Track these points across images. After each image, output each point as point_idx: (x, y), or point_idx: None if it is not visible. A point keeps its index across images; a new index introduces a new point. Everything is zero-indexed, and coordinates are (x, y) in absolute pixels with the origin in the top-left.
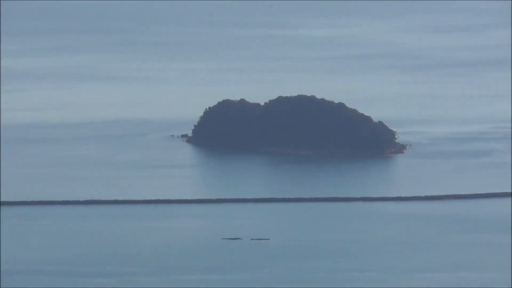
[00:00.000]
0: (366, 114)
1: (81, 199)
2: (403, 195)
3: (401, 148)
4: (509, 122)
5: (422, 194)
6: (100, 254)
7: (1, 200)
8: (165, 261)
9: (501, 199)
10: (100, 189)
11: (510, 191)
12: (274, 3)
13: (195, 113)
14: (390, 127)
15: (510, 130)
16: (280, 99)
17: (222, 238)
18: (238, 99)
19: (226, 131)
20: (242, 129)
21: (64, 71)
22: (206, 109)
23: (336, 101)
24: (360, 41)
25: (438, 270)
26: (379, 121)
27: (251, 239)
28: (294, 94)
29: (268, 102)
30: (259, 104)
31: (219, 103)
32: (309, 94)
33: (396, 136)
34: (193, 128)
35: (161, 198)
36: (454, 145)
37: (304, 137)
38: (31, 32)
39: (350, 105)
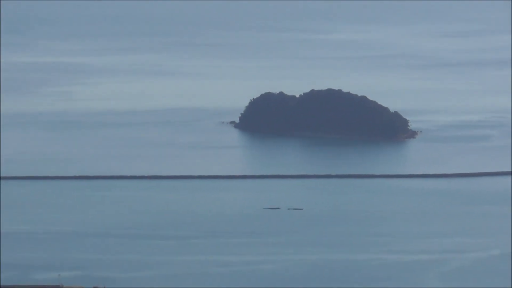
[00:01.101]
0: (384, 105)
1: (146, 174)
2: (414, 173)
3: (413, 134)
4: (503, 112)
5: (431, 172)
6: (161, 221)
7: (82, 174)
8: (215, 226)
9: (497, 177)
10: (162, 166)
11: (506, 170)
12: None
13: (242, 103)
14: (404, 116)
15: (504, 119)
16: (312, 92)
17: (264, 208)
18: (278, 92)
19: (267, 118)
20: (280, 116)
21: (134, 68)
22: (251, 100)
23: (359, 94)
24: (379, 44)
25: (444, 235)
26: (394, 111)
27: (288, 209)
28: (324, 88)
29: (302, 94)
30: (295, 96)
31: (261, 95)
32: (336, 88)
33: (408, 124)
34: (240, 115)
35: (213, 174)
36: (457, 131)
37: (332, 124)
38: (108, 34)
39: (371, 97)
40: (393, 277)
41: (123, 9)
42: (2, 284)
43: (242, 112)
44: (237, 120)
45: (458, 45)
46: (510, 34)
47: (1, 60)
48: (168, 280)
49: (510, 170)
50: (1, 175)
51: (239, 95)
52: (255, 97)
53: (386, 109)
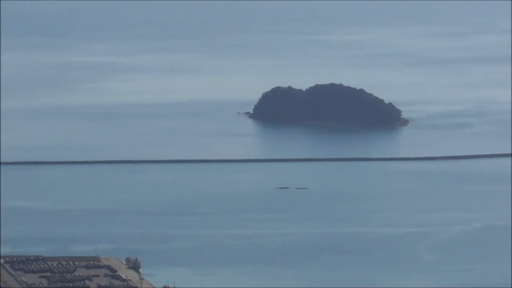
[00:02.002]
0: (380, 97)
1: (172, 159)
2: (407, 156)
3: (405, 122)
4: (484, 102)
5: (421, 156)
6: (185, 199)
7: (115, 159)
8: (232, 204)
9: (479, 159)
10: (186, 151)
11: (487, 153)
12: (314, 16)
13: (255, 96)
14: (397, 107)
15: (484, 109)
16: (317, 86)
17: (275, 188)
18: (287, 86)
19: (278, 109)
20: (289, 107)
21: (161, 66)
22: (263, 93)
23: (358, 88)
24: (375, 44)
25: (433, 211)
26: (389, 102)
27: (296, 188)
28: (328, 82)
29: (308, 88)
30: (302, 89)
31: (272, 89)
32: (338, 83)
33: (401, 113)
34: (253, 107)
35: (230, 158)
36: (444, 119)
37: (334, 114)
38: (137, 36)
39: (368, 90)
40: (389, 247)
41: (150, 13)
42: (45, 255)
43: (256, 104)
44: (251, 111)
45: (444, 44)
46: (491, 34)
47: (45, 60)
48: (191, 251)
49: (490, 153)
50: (45, 161)
51: (253, 89)
52: (266, 91)
53: (381, 100)
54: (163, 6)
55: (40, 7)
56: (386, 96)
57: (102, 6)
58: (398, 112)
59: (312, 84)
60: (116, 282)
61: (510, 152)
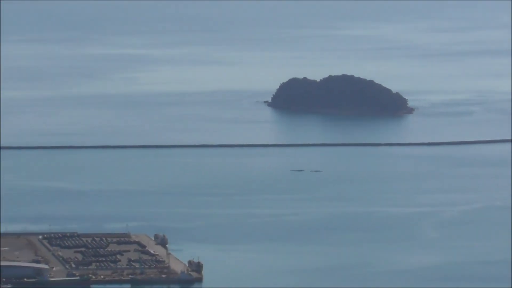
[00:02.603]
0: (387, 87)
1: (196, 144)
2: (412, 142)
3: (410, 110)
4: (483, 92)
5: (425, 141)
6: (208, 181)
7: (145, 144)
8: (251, 185)
9: (480, 144)
10: (209, 137)
11: (487, 139)
12: (327, 13)
13: (273, 86)
14: (403, 96)
15: (484, 98)
16: (330, 77)
17: (291, 170)
18: (302, 77)
19: (294, 98)
20: (304, 97)
21: (187, 58)
22: (281, 83)
23: (367, 79)
24: (383, 38)
25: (436, 192)
26: (396, 92)
27: (310, 171)
28: (340, 73)
29: (322, 79)
30: (316, 80)
31: (289, 79)
32: (349, 74)
33: (407, 102)
34: (272, 96)
35: (250, 143)
36: (447, 108)
37: (346, 102)
38: (165, 31)
39: (377, 81)
40: (397, 225)
41: (177, 10)
42: (80, 232)
43: (274, 93)
44: (269, 100)
45: (447, 38)
46: (491, 30)
47: (81, 52)
48: (214, 228)
49: (490, 139)
50: (80, 145)
51: (271, 80)
52: (284, 81)
53: (389, 90)
54: (188, 3)
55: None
56: (393, 86)
57: (133, 3)
58: (404, 101)
59: (326, 75)
60: (145, 257)
61: (509, 138)
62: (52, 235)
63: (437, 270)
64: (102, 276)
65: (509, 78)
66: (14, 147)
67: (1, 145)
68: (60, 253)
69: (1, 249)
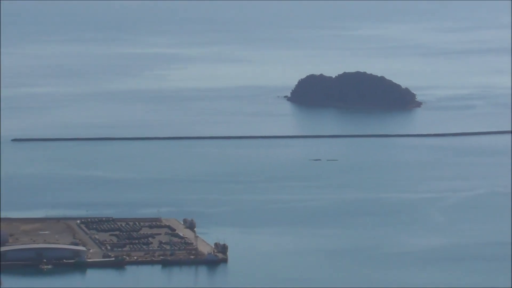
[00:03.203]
0: (397, 83)
1: (221, 135)
2: (420, 133)
3: (418, 104)
4: (485, 87)
5: (432, 132)
6: (233, 169)
7: (173, 136)
8: (273, 173)
9: (483, 135)
10: (233, 129)
11: (489, 130)
12: (341, 15)
13: (292, 82)
14: (412, 91)
15: (486, 93)
16: (344, 74)
17: (309, 159)
18: (319, 74)
19: (311, 93)
20: (321, 92)
21: (211, 56)
22: (299, 80)
23: (379, 75)
24: (393, 38)
25: (442, 179)
26: (405, 87)
27: (327, 160)
28: (354, 70)
29: (337, 75)
30: (332, 77)
31: (307, 76)
32: (362, 71)
33: (415, 97)
34: (291, 91)
35: (270, 134)
36: (452, 102)
37: (359, 97)
38: (192, 32)
39: (387, 77)
40: (406, 210)
41: (202, 12)
42: (115, 217)
43: (292, 89)
44: (289, 95)
45: (452, 38)
46: (493, 29)
47: (116, 51)
48: (238, 213)
49: (491, 130)
50: (114, 137)
51: (290, 76)
52: (302, 78)
53: (398, 86)
54: (213, 6)
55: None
56: (402, 82)
57: (162, 5)
58: (413, 95)
59: (341, 72)
60: (175, 240)
61: (509, 129)
62: (89, 219)
63: (443, 251)
64: (135, 257)
65: (509, 74)
66: (56, 139)
67: (45, 137)
68: (96, 236)
69: (42, 232)
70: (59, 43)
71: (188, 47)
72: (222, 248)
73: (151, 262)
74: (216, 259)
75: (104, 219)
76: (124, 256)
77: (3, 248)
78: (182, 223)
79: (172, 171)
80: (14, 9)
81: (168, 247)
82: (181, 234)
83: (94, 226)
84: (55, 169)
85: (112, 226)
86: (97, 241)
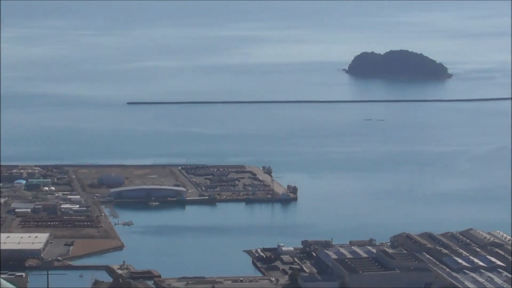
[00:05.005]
0: (433, 59)
1: (292, 100)
2: (451, 98)
3: (450, 76)
4: (503, 63)
5: (461, 98)
6: (301, 127)
7: (255, 100)
8: (333, 130)
9: (501, 101)
10: (301, 95)
11: (506, 97)
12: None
13: (349, 58)
14: (445, 65)
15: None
16: (391, 51)
17: (363, 119)
18: (370, 51)
19: (364, 67)
20: (372, 66)
21: (284, 38)
22: (355, 56)
23: (418, 52)
24: (430, 23)
25: (469, 135)
26: (439, 62)
27: (377, 120)
28: (398, 49)
29: (385, 53)
30: (381, 54)
31: (361, 53)
32: (405, 49)
33: (448, 70)
34: (348, 65)
35: (332, 99)
36: (477, 73)
37: (403, 70)
38: (273, 18)
39: (425, 54)
40: (439, 160)
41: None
42: (208, 164)
43: (349, 64)
44: (346, 68)
45: (476, 23)
46: (507, 17)
47: (210, 34)
48: (306, 161)
49: (508, 96)
50: (207, 101)
51: (348, 53)
52: (357, 55)
53: (434, 61)
54: None
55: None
56: (437, 58)
57: None
58: (445, 69)
59: (388, 50)
60: (256, 182)
61: None
62: (188, 166)
63: (468, 192)
64: (224, 196)
65: None
66: (162, 102)
67: (153, 101)
68: (194, 179)
69: (151, 176)
70: (165, 27)
71: (267, 31)
72: (293, 189)
73: (237, 200)
74: (288, 198)
75: (200, 166)
76: (216, 195)
77: (121, 188)
78: (262, 169)
79: (254, 128)
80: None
81: (250, 188)
82: (261, 178)
83: (192, 171)
84: (161, 127)
85: (206, 171)
86: (194, 183)
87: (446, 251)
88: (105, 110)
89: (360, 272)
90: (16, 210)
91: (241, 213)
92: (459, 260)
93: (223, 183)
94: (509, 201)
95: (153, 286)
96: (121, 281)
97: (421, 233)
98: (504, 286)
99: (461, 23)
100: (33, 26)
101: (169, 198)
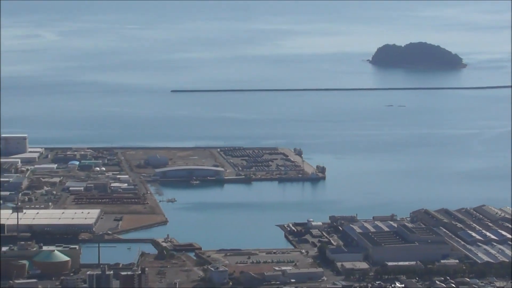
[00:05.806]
0: (449, 50)
1: (321, 87)
2: (466, 86)
3: (464, 65)
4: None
5: (475, 86)
6: (329, 112)
7: (288, 88)
8: (357, 115)
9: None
10: (324, 83)
11: None
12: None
13: (373, 49)
14: (459, 56)
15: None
16: (411, 44)
17: (384, 105)
18: (392, 44)
19: (387, 57)
20: (393, 56)
21: (314, 31)
22: (378, 48)
23: (435, 44)
24: (446, 17)
25: (482, 119)
26: (455, 53)
27: (398, 106)
28: (417, 41)
29: (405, 45)
30: (402, 45)
31: (384, 45)
32: (423, 41)
33: (462, 60)
34: (372, 56)
35: (357, 87)
36: (489, 63)
37: (422, 60)
38: (301, 12)
39: (442, 46)
40: (454, 142)
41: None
42: (244, 146)
43: (373, 55)
44: (370, 59)
45: (488, 17)
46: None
47: (244, 27)
48: (333, 144)
49: None
50: (244, 89)
51: (372, 45)
52: (380, 46)
53: (450, 52)
54: None
55: None
56: (453, 49)
57: None
58: (460, 59)
59: (408, 42)
60: (287, 163)
61: None
62: (226, 148)
63: (481, 171)
64: (259, 176)
65: None
66: (202, 90)
67: (195, 89)
68: (231, 160)
69: (193, 157)
70: (205, 21)
71: (297, 24)
72: (322, 169)
73: (270, 179)
74: (317, 177)
75: (236, 148)
76: (251, 175)
77: (165, 168)
78: (293, 151)
79: (286, 113)
80: None
81: (282, 169)
82: (292, 159)
83: (230, 153)
84: (202, 112)
85: (242, 153)
86: (231, 164)
87: (461, 226)
88: (150, 97)
89: (382, 244)
90: (70, 188)
91: (274, 191)
92: (473, 234)
93: (258, 164)
94: None
95: (195, 258)
96: (165, 253)
97: (438, 209)
98: None
99: (475, 17)
100: (84, 21)
101: (209, 177)
